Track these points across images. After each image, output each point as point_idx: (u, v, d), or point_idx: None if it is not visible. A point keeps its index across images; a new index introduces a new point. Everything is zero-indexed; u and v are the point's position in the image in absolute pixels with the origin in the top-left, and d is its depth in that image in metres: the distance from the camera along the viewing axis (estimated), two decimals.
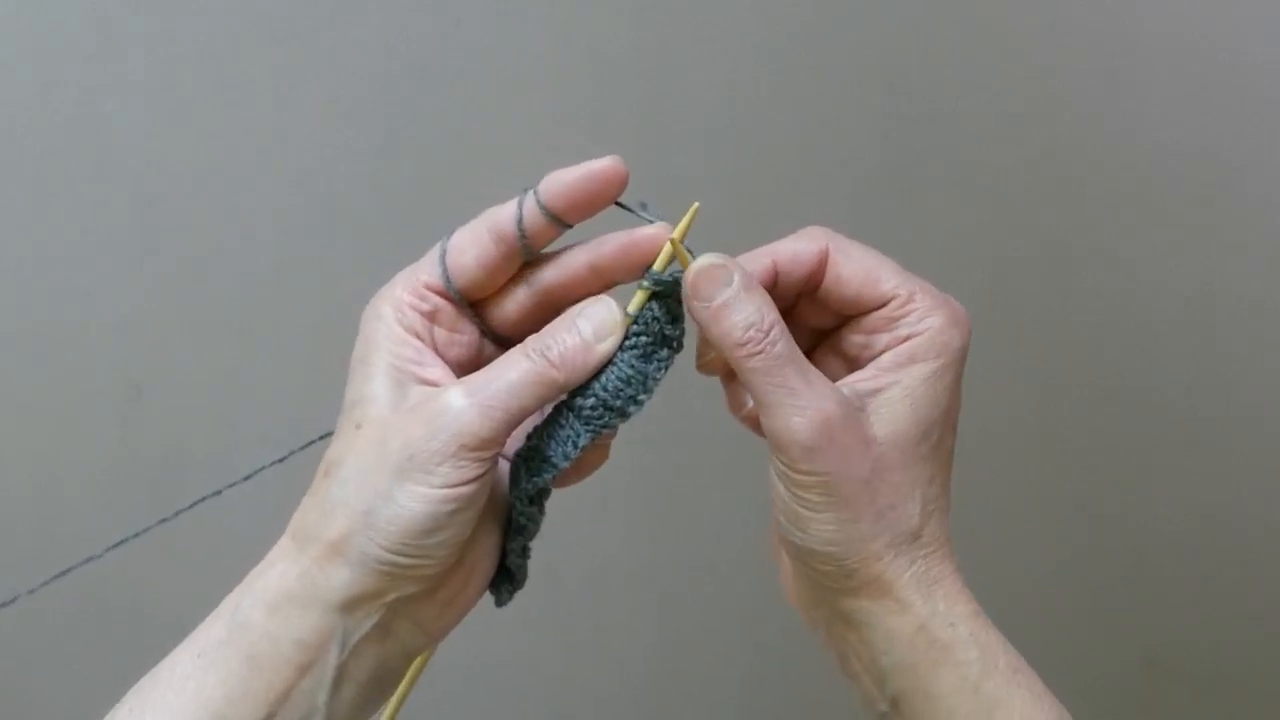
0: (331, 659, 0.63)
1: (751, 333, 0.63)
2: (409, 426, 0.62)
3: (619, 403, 0.65)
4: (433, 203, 1.35)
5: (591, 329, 0.64)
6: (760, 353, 0.63)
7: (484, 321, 0.67)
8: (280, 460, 0.69)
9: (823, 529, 0.63)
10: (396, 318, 0.65)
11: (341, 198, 1.37)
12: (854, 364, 0.67)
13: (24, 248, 1.31)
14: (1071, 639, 1.58)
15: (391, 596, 0.63)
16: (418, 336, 0.65)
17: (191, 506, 0.70)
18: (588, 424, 0.65)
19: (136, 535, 0.70)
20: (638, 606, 1.53)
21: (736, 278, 0.64)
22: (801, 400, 0.62)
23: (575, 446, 0.65)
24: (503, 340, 0.67)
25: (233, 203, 1.35)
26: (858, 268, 0.66)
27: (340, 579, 0.62)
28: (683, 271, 0.65)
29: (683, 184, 1.47)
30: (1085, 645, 1.59)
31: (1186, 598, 1.62)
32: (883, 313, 0.66)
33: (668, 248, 0.65)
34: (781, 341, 0.63)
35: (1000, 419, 1.50)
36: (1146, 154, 1.56)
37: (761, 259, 0.67)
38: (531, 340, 0.64)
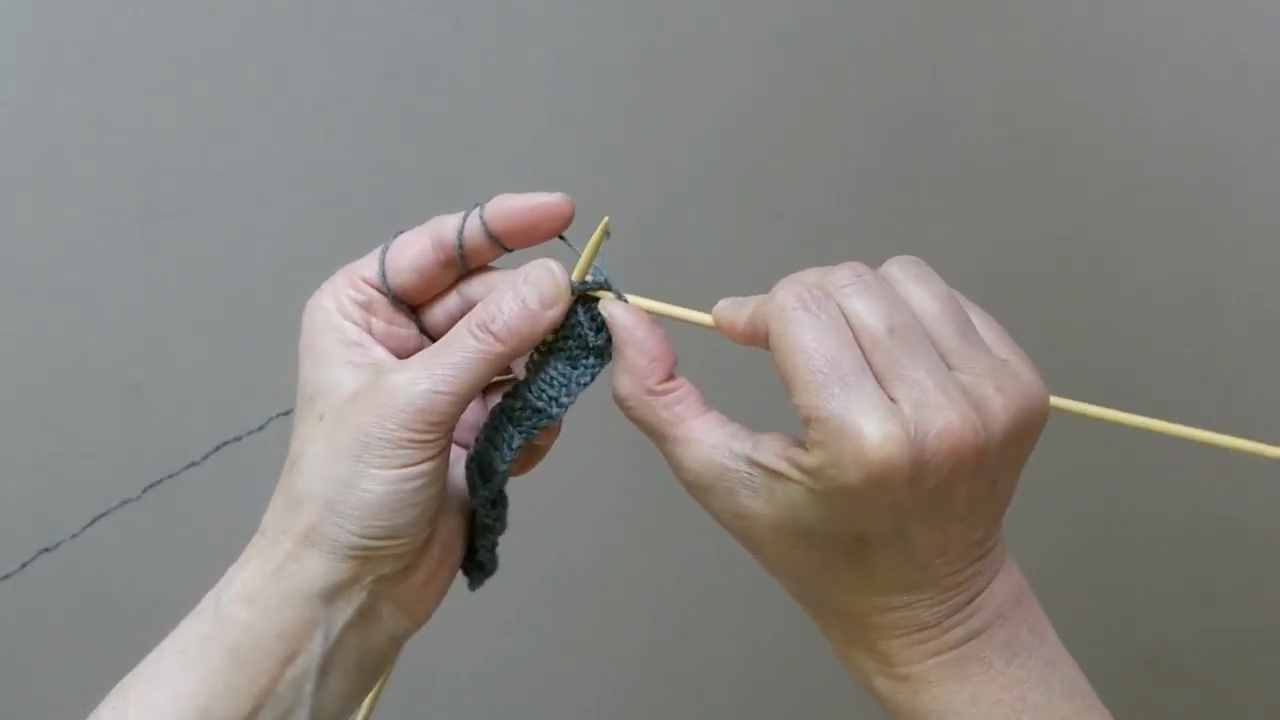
0: (316, 649, 0.63)
1: (623, 391, 0.63)
2: (359, 413, 0.62)
3: (541, 404, 0.66)
4: (432, 203, 1.34)
5: (537, 296, 0.64)
6: (627, 416, 0.64)
7: (420, 322, 0.68)
8: (286, 413, 0.69)
9: None
10: (336, 306, 0.67)
11: (341, 197, 1.37)
12: None
13: (24, 248, 1.31)
14: (1071, 639, 1.58)
15: (369, 579, 0.64)
16: (355, 323, 0.66)
17: (205, 457, 0.71)
18: (518, 426, 0.66)
19: (124, 503, 0.71)
20: (633, 603, 1.53)
21: (615, 336, 0.64)
22: (667, 461, 0.63)
23: (511, 448, 0.66)
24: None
25: (232, 203, 1.35)
26: (779, 366, 0.59)
27: (316, 568, 0.63)
28: (605, 281, 0.65)
29: (683, 183, 1.47)
30: (1085, 645, 1.58)
31: (1186, 598, 1.62)
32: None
33: (585, 257, 0.64)
34: (636, 412, 0.63)
35: None
36: (1146, 150, 1.56)
37: (739, 315, 0.63)
38: (476, 314, 0.64)
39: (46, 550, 0.70)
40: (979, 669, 0.62)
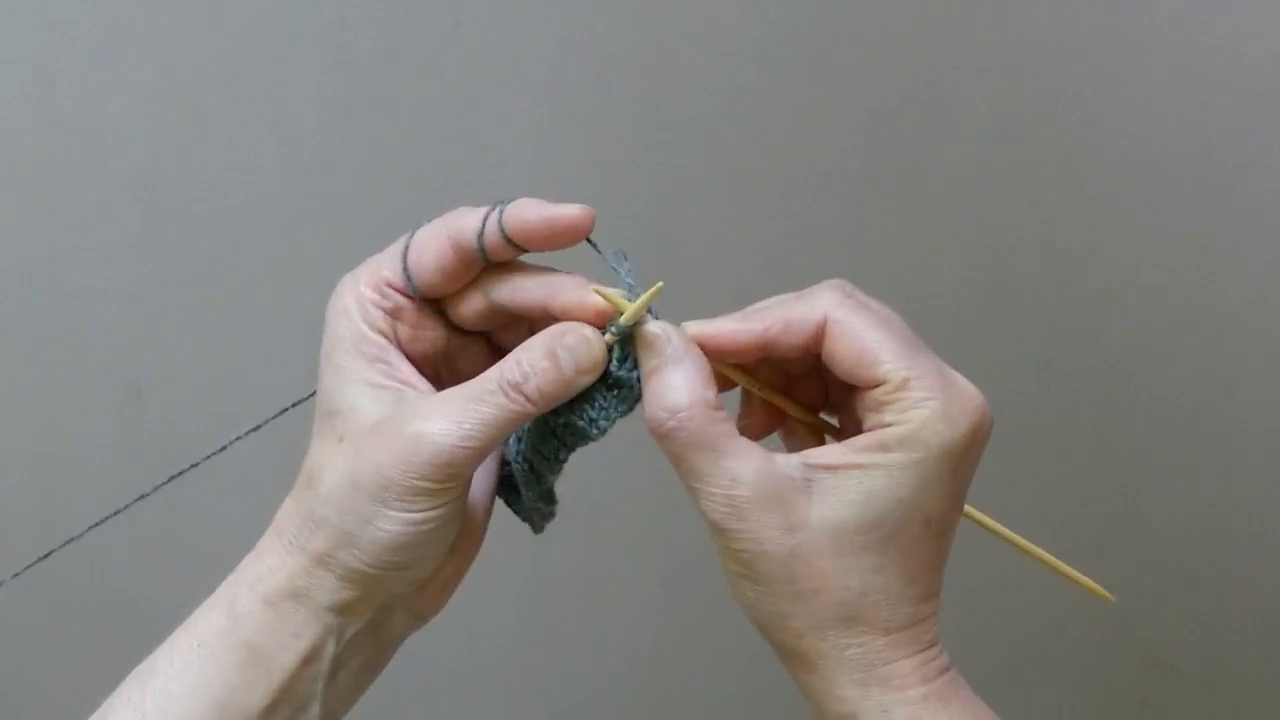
0: (328, 650, 0.64)
1: (658, 412, 0.62)
2: (382, 454, 0.62)
3: (583, 424, 0.65)
4: (432, 203, 1.34)
5: (574, 364, 0.63)
6: (665, 436, 0.62)
7: (446, 317, 0.67)
8: (256, 429, 0.70)
9: (743, 594, 0.63)
10: (361, 314, 0.65)
11: (341, 198, 1.37)
12: (859, 429, 0.63)
13: (24, 248, 1.31)
14: (1072, 639, 1.58)
15: (381, 599, 0.65)
16: (381, 334, 0.65)
17: (234, 441, 0.71)
18: (563, 441, 0.66)
19: (111, 515, 0.71)
20: (637, 590, 1.53)
21: (667, 352, 0.63)
22: (709, 485, 0.61)
23: (559, 460, 0.67)
24: (467, 333, 0.68)
25: (233, 203, 1.35)
26: (851, 346, 0.62)
27: (329, 586, 0.64)
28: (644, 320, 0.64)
29: (682, 183, 1.47)
30: (1086, 645, 1.59)
31: (1187, 598, 1.61)
32: (875, 394, 0.61)
33: (632, 313, 0.63)
34: (692, 423, 0.61)
35: (1000, 418, 1.49)
36: (1146, 150, 1.56)
37: (752, 325, 0.64)
38: (509, 369, 0.63)
39: (80, 535, 0.71)
40: (969, 691, 0.63)
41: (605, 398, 0.65)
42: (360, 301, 0.65)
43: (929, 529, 0.61)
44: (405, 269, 0.65)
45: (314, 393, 0.67)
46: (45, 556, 0.70)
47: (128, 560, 1.33)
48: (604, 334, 0.64)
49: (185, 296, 1.35)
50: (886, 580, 0.61)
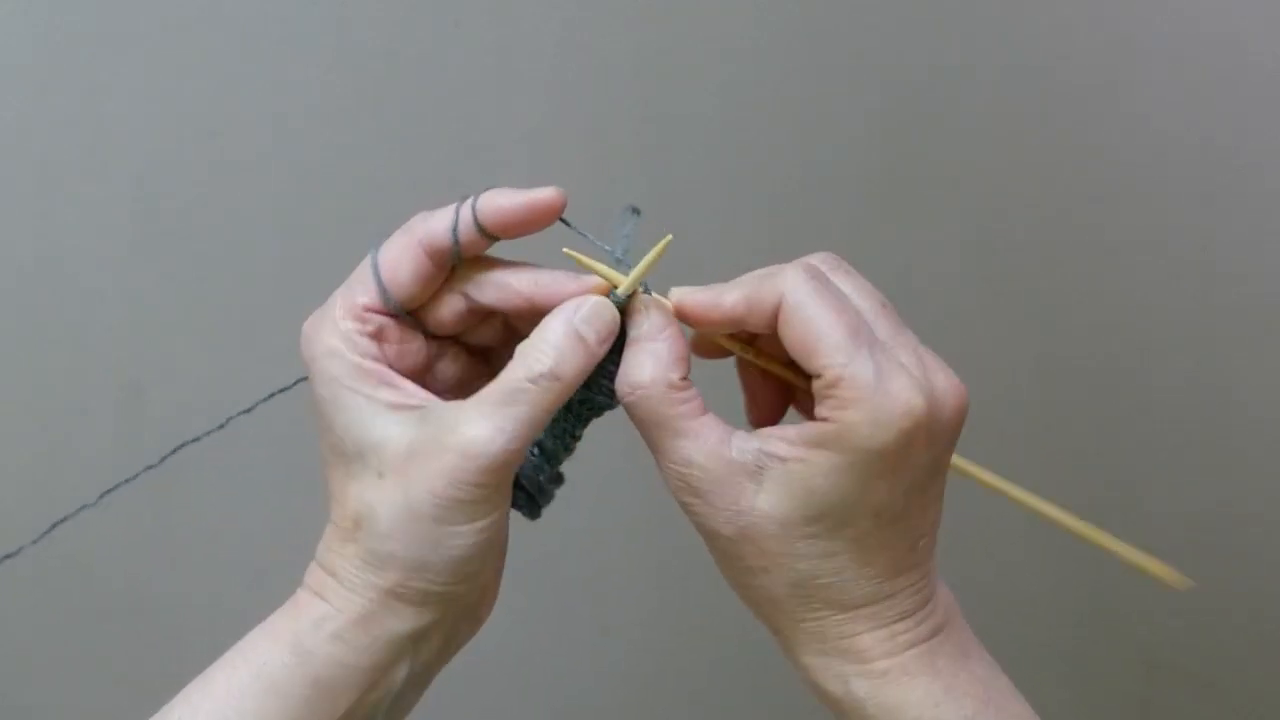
0: (400, 675, 0.65)
1: (623, 385, 0.64)
2: (434, 477, 0.62)
3: (603, 399, 0.67)
4: (432, 203, 1.34)
5: (595, 334, 0.64)
6: (628, 407, 0.64)
7: (424, 326, 0.68)
8: (247, 411, 0.70)
9: (712, 551, 0.65)
10: (350, 347, 0.65)
11: (341, 198, 1.37)
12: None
13: (24, 247, 1.31)
14: (1072, 639, 1.58)
15: (457, 612, 0.65)
16: (376, 360, 0.65)
17: (208, 434, 0.71)
18: (580, 419, 0.68)
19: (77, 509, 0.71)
20: (635, 578, 1.53)
21: (644, 328, 0.65)
22: (665, 460, 0.63)
23: (572, 438, 0.68)
24: (443, 338, 0.68)
25: (233, 202, 1.35)
26: (797, 333, 0.61)
27: (407, 616, 0.64)
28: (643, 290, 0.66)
29: (682, 184, 1.47)
30: (1086, 645, 1.59)
31: (1187, 598, 1.61)
32: (816, 384, 0.61)
33: (638, 273, 0.65)
34: (649, 402, 0.63)
35: (1000, 417, 1.50)
36: (1146, 149, 1.56)
37: (723, 301, 0.65)
38: (534, 359, 0.63)
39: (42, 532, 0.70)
40: (947, 663, 0.64)
41: (617, 365, 0.66)
42: (345, 336, 0.65)
43: (880, 520, 0.61)
44: (381, 286, 0.65)
45: (301, 379, 0.67)
46: (49, 530, 0.70)
47: (127, 560, 1.33)
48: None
49: (185, 295, 1.35)
50: (838, 564, 0.62)
